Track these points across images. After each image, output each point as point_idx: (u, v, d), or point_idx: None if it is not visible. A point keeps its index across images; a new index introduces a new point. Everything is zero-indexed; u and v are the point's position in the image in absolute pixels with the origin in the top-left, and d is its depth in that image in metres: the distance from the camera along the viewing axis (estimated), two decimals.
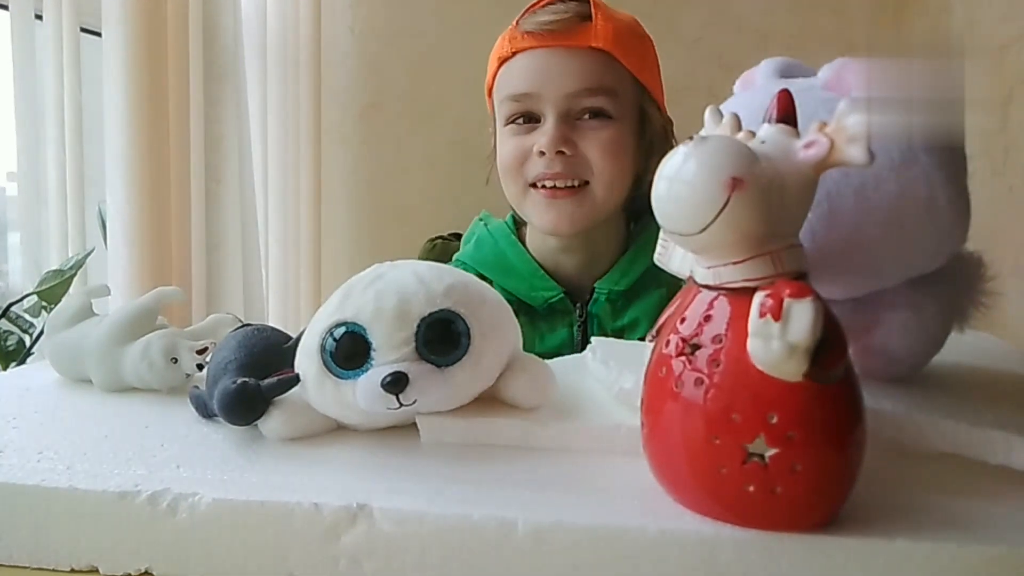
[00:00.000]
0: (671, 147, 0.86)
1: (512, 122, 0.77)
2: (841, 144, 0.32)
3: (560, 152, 0.73)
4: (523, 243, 0.84)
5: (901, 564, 0.32)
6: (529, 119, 0.76)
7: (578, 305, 0.79)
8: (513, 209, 0.85)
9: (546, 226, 0.77)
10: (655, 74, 0.81)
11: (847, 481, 0.34)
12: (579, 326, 0.78)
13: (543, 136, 0.74)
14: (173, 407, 0.52)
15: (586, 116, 0.75)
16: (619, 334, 0.77)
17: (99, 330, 0.57)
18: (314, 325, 0.45)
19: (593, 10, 0.75)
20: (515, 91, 0.76)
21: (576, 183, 0.75)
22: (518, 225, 0.86)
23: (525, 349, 0.74)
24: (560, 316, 0.79)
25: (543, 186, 0.75)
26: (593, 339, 0.55)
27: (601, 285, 0.79)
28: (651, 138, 0.79)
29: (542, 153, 0.74)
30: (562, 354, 0.72)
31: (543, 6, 0.76)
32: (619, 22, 0.77)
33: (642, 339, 0.71)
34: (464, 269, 0.78)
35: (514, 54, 0.76)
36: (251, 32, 1.55)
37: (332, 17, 1.84)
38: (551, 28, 0.73)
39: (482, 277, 0.75)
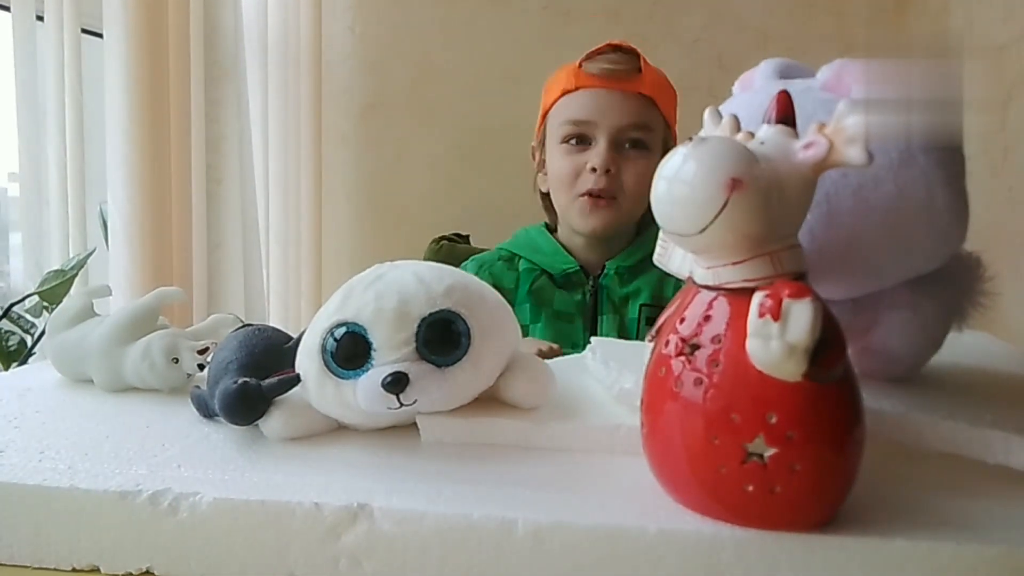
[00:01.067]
0: None
1: (567, 141, 0.98)
2: (840, 145, 0.32)
3: (608, 171, 0.94)
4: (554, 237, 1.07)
5: (900, 564, 0.32)
6: (581, 141, 0.97)
7: (591, 277, 1.00)
8: (546, 212, 1.07)
9: (587, 227, 0.98)
10: (675, 117, 1.04)
11: (846, 481, 0.34)
12: (591, 293, 0.99)
13: (596, 156, 0.95)
14: (174, 407, 0.52)
15: (627, 146, 0.96)
16: (624, 300, 0.98)
17: (100, 330, 0.57)
18: (315, 325, 0.45)
19: (642, 64, 0.98)
20: (577, 117, 0.97)
21: (611, 196, 0.96)
22: (550, 229, 1.09)
23: (544, 306, 0.98)
24: (575, 285, 1.00)
25: (588, 195, 0.96)
26: (593, 339, 0.55)
27: (611, 264, 1.00)
28: None
29: (594, 170, 0.95)
30: (574, 314, 0.98)
31: (602, 53, 0.98)
32: (659, 75, 1.00)
33: (645, 307, 0.96)
34: (498, 249, 1.06)
35: (577, 88, 0.98)
36: (252, 33, 1.55)
37: (333, 17, 1.85)
38: (613, 74, 0.96)
39: (512, 255, 1.04)
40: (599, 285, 1.00)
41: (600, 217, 0.97)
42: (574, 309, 0.99)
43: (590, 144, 0.97)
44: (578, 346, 0.91)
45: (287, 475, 0.40)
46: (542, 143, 1.05)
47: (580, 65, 0.98)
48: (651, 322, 0.88)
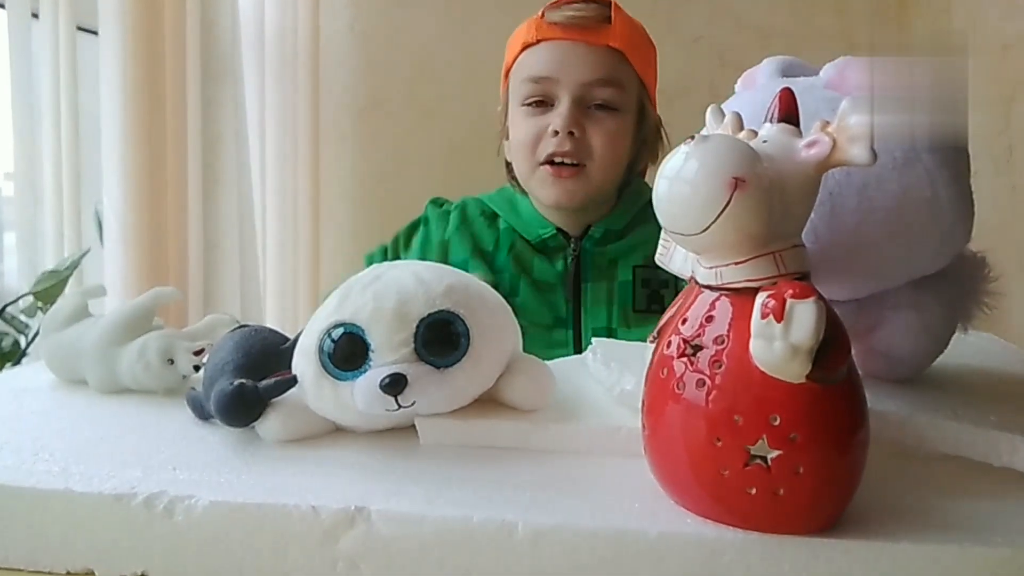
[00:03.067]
0: (662, 141, 0.90)
1: (528, 104, 0.86)
2: (843, 143, 0.32)
3: (571, 133, 0.82)
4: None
5: (904, 566, 0.32)
6: (542, 103, 0.85)
7: (572, 240, 0.89)
8: (512, 182, 0.95)
9: (550, 199, 0.86)
10: (654, 76, 0.92)
11: (850, 483, 0.34)
12: (572, 259, 0.89)
13: (558, 117, 0.83)
14: (169, 409, 0.51)
15: (594, 106, 0.84)
16: (614, 263, 0.88)
17: (95, 331, 0.56)
18: (312, 326, 0.45)
19: (613, 13, 0.85)
20: (537, 74, 0.85)
21: (577, 163, 0.84)
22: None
23: (523, 274, 0.88)
24: (554, 251, 0.90)
25: (551, 163, 0.84)
26: (594, 340, 0.55)
27: (597, 225, 0.88)
28: (645, 132, 0.90)
29: (556, 133, 0.83)
30: (555, 284, 0.87)
31: (568, 2, 0.85)
32: (633, 27, 0.88)
33: (640, 269, 0.86)
34: (477, 203, 0.94)
35: (539, 41, 0.85)
36: (249, 31, 1.54)
37: (331, 16, 1.84)
38: (577, 23, 0.84)
39: (493, 212, 0.93)
40: (581, 249, 0.89)
41: (564, 188, 0.85)
42: (555, 279, 0.88)
43: (553, 105, 0.85)
44: (561, 319, 0.86)
45: (284, 478, 0.39)
46: (506, 108, 0.92)
47: (543, 15, 0.86)
48: (647, 284, 0.85)
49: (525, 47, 0.87)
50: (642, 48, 0.88)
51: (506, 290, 0.88)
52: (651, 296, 0.86)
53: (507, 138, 0.93)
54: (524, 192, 0.93)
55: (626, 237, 0.88)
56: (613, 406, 0.47)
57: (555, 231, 0.89)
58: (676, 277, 0.87)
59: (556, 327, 0.86)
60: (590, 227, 0.89)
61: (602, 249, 0.88)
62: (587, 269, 0.88)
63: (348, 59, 1.88)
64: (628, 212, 0.89)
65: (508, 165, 0.94)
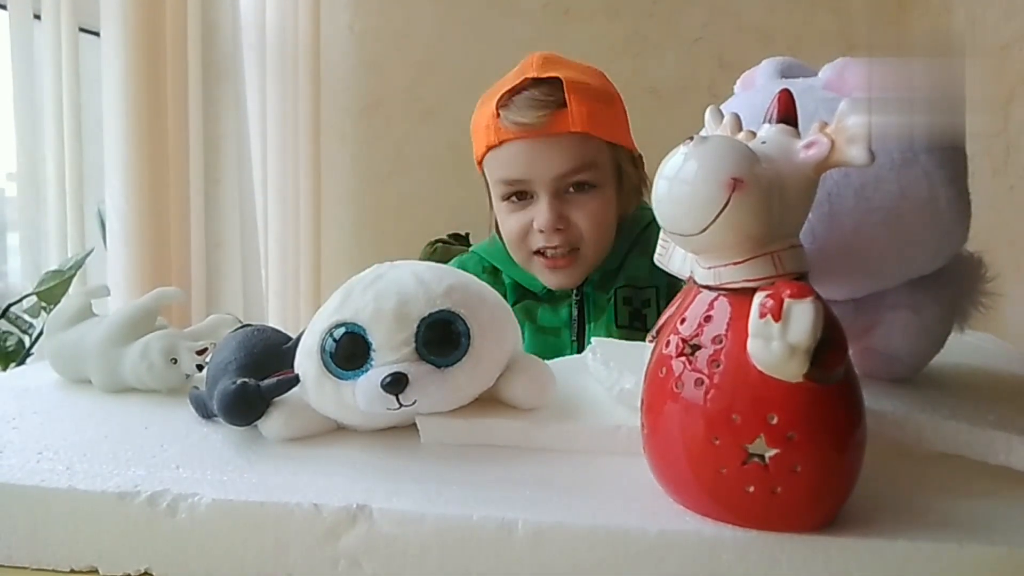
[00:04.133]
0: (643, 178, 0.90)
1: (508, 199, 0.87)
2: (842, 144, 0.32)
3: (557, 229, 0.83)
4: None
5: (901, 565, 0.32)
6: (523, 196, 0.86)
7: (574, 289, 0.90)
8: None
9: (551, 284, 0.88)
10: (625, 129, 0.90)
11: (847, 482, 0.34)
12: (576, 304, 0.90)
13: (540, 216, 0.83)
14: (173, 408, 0.52)
15: (573, 189, 0.84)
16: (608, 300, 0.89)
17: (98, 331, 0.57)
18: (314, 325, 0.45)
19: (567, 93, 0.81)
20: (508, 176, 0.85)
21: (569, 249, 0.85)
22: None
23: (527, 321, 0.89)
24: (559, 299, 0.91)
25: (543, 254, 0.86)
26: (594, 339, 0.55)
27: (595, 272, 0.89)
28: (628, 188, 0.90)
29: (541, 231, 0.84)
30: (560, 328, 0.90)
31: (519, 94, 0.82)
32: (591, 99, 0.83)
33: (620, 289, 0.87)
34: (478, 260, 0.95)
35: (501, 143, 0.84)
36: (250, 32, 1.55)
37: (331, 16, 1.84)
38: (535, 124, 0.81)
39: (494, 268, 0.93)
40: (584, 294, 0.90)
41: (563, 275, 0.87)
42: (560, 323, 0.90)
43: (532, 197, 0.85)
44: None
45: (286, 476, 0.40)
46: (489, 191, 0.92)
47: (498, 114, 0.83)
48: (628, 301, 0.87)
49: (489, 148, 0.86)
50: (605, 115, 0.86)
51: None
52: (632, 314, 0.88)
53: (496, 224, 0.93)
54: None
55: (621, 272, 0.90)
56: (612, 405, 0.47)
57: None
58: (657, 297, 0.88)
59: None
60: (589, 276, 0.90)
61: (600, 293, 0.90)
62: (590, 311, 0.90)
63: (348, 59, 1.88)
64: (622, 248, 0.90)
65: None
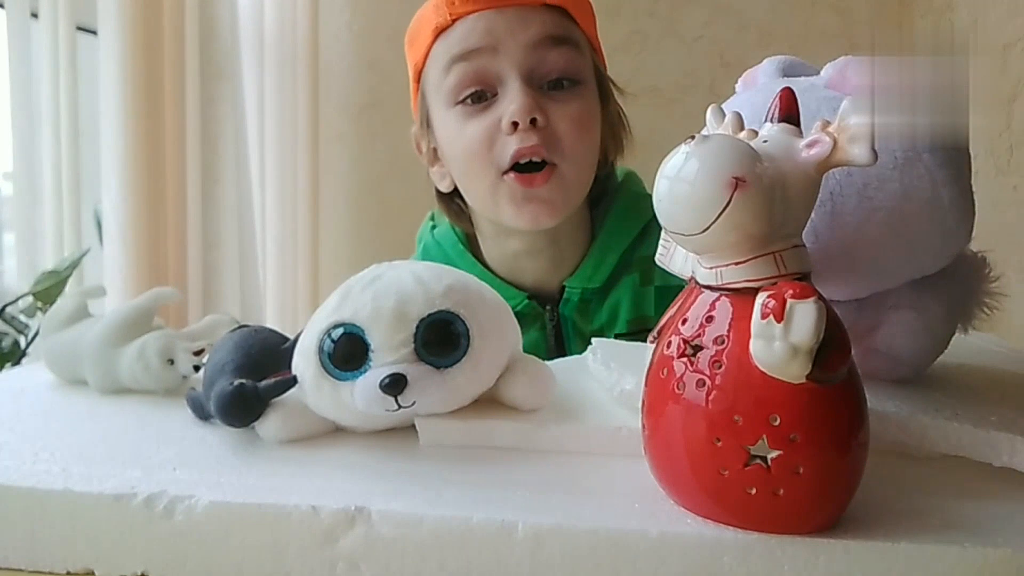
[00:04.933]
0: (625, 128, 0.73)
1: (460, 102, 0.65)
2: (844, 143, 0.32)
3: (533, 121, 0.62)
4: (475, 255, 0.75)
5: (904, 567, 0.32)
6: (481, 96, 0.65)
7: (548, 308, 0.71)
8: (455, 220, 0.76)
9: (525, 221, 0.66)
10: (598, 42, 0.72)
11: (850, 483, 0.33)
12: (552, 328, 0.71)
13: (511, 104, 0.62)
14: (169, 409, 0.51)
15: (549, 85, 0.65)
16: (597, 334, 0.70)
17: (95, 331, 0.56)
18: (312, 326, 0.45)
19: None
20: (465, 48, 0.63)
21: (547, 161, 0.64)
22: (469, 238, 0.76)
23: None
24: (530, 320, 0.71)
25: (517, 169, 0.64)
26: (594, 340, 0.54)
27: (572, 283, 0.71)
28: (611, 111, 0.72)
29: (514, 126, 0.62)
30: (536, 354, 0.69)
31: None
32: None
33: (633, 336, 0.68)
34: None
35: (454, 20, 0.64)
36: (248, 31, 1.54)
37: (330, 15, 1.84)
38: None
39: None
40: (560, 316, 0.71)
41: (543, 202, 0.64)
42: (533, 349, 0.68)
43: (495, 95, 0.64)
44: None
45: (284, 478, 0.39)
46: (425, 122, 0.71)
47: None
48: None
49: (439, 32, 0.65)
50: (583, 4, 0.69)
51: None
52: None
53: (434, 163, 0.73)
54: (469, 227, 0.75)
55: (608, 298, 0.70)
56: (613, 406, 0.47)
57: (527, 300, 0.70)
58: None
59: None
60: (564, 288, 0.71)
61: (583, 316, 0.71)
62: (569, 336, 0.71)
63: (347, 59, 1.88)
64: (606, 262, 0.70)
65: (445, 198, 0.74)
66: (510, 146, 0.63)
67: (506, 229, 0.69)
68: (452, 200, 0.73)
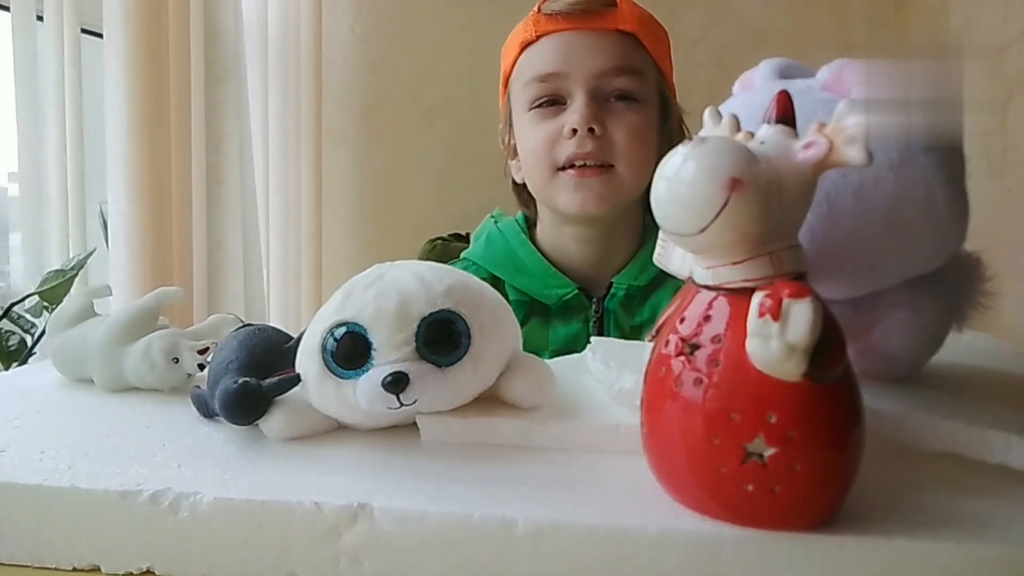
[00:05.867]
0: (686, 137, 0.84)
1: (536, 106, 0.77)
2: (840, 145, 0.32)
3: (591, 131, 0.73)
4: (534, 242, 0.84)
5: (899, 564, 0.32)
6: (554, 102, 0.76)
7: (594, 300, 0.79)
8: (524, 207, 0.85)
9: (575, 206, 0.75)
10: (670, 64, 0.81)
11: (846, 481, 0.34)
12: (595, 322, 0.78)
13: (574, 114, 0.73)
14: (174, 407, 0.52)
15: (614, 99, 0.75)
16: (637, 330, 0.77)
17: (100, 330, 0.57)
18: (315, 325, 0.45)
19: None
20: (543, 71, 0.75)
21: (603, 164, 0.74)
22: (529, 225, 0.86)
23: (538, 345, 0.78)
24: (575, 312, 0.78)
25: (572, 167, 0.74)
26: (593, 339, 0.55)
27: (619, 280, 0.78)
28: (671, 127, 0.80)
29: (573, 132, 0.73)
30: (576, 350, 0.72)
31: None
32: (643, 11, 0.78)
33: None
34: (475, 269, 0.81)
35: (539, 37, 0.76)
36: (252, 32, 1.55)
37: (333, 17, 1.84)
38: (580, 9, 0.74)
39: (494, 277, 0.79)
40: (604, 309, 0.78)
41: (591, 190, 0.73)
42: (575, 344, 0.76)
43: (565, 103, 0.75)
44: None
45: (287, 475, 0.40)
46: (509, 121, 0.83)
47: (539, 10, 0.76)
48: None
49: (525, 46, 0.77)
50: (656, 31, 0.78)
51: None
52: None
53: (513, 156, 0.83)
54: (535, 215, 0.84)
55: (651, 297, 0.78)
56: (612, 404, 0.47)
57: (577, 291, 0.78)
58: None
59: None
60: (612, 284, 0.78)
61: (627, 312, 0.78)
62: (610, 332, 0.77)
63: (350, 61, 1.88)
64: (653, 263, 0.80)
65: (518, 188, 0.85)
66: (569, 148, 0.74)
67: (562, 217, 0.79)
68: (523, 190, 0.84)
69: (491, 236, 0.85)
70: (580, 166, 0.74)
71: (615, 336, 0.77)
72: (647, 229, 0.82)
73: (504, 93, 0.84)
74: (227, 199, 1.37)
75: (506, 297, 0.76)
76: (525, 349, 0.77)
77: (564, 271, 0.80)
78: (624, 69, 0.74)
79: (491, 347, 0.45)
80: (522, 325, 0.78)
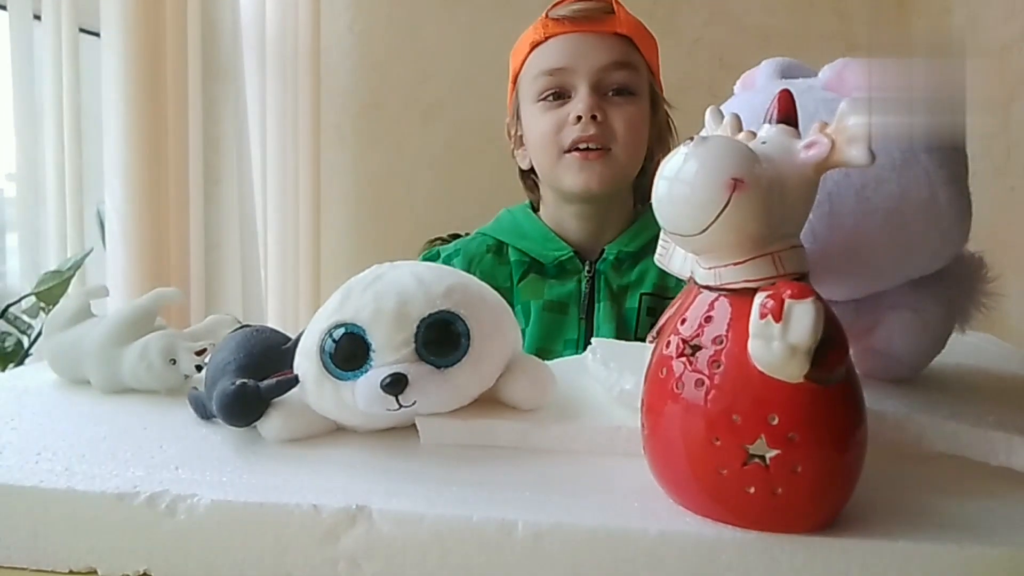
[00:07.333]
0: (672, 135, 0.94)
1: (543, 98, 0.88)
2: (842, 145, 0.32)
3: (593, 117, 0.84)
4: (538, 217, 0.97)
5: (902, 566, 0.32)
6: (559, 96, 0.87)
7: (587, 263, 0.90)
8: (529, 192, 0.98)
9: (579, 185, 0.87)
10: (659, 67, 0.94)
11: (848, 482, 0.34)
12: (587, 281, 0.89)
13: (579, 103, 0.85)
14: (172, 408, 0.52)
15: (612, 92, 0.87)
16: (624, 289, 0.89)
17: (97, 331, 0.57)
18: (313, 326, 0.45)
19: (615, 5, 0.89)
20: (551, 66, 0.87)
21: (603, 148, 0.86)
22: (534, 209, 0.99)
23: (533, 296, 0.85)
24: (569, 273, 0.90)
25: (576, 149, 0.86)
26: (593, 340, 0.55)
27: (611, 247, 0.90)
28: (660, 119, 0.93)
29: (578, 118, 0.85)
30: (568, 304, 0.88)
31: (570, 1, 0.89)
32: (635, 19, 0.92)
33: (646, 296, 0.86)
34: (482, 239, 0.94)
35: (547, 38, 0.88)
36: (250, 32, 1.55)
37: (331, 17, 1.84)
38: (583, 15, 0.87)
39: (499, 243, 0.93)
40: (596, 271, 0.89)
41: (593, 170, 0.86)
42: (568, 299, 0.89)
43: (569, 96, 0.87)
44: (572, 339, 0.86)
45: (285, 477, 0.40)
46: (516, 115, 0.95)
47: (547, 15, 0.89)
48: (652, 312, 0.85)
49: (534, 47, 0.89)
50: (647, 36, 0.92)
51: (521, 322, 0.87)
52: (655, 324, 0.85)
53: (520, 146, 0.95)
54: (539, 199, 0.96)
55: (639, 263, 0.89)
56: (612, 406, 0.47)
57: (572, 253, 0.90)
58: None
59: (566, 350, 0.86)
60: (603, 250, 0.90)
61: (616, 273, 0.89)
62: (600, 290, 0.88)
63: (349, 60, 1.88)
64: (642, 235, 0.90)
65: (524, 174, 0.97)
66: (574, 133, 0.85)
67: (565, 197, 0.91)
68: (529, 176, 0.97)
69: (501, 214, 0.99)
70: (583, 148, 0.85)
71: (605, 294, 0.88)
72: (636, 212, 0.95)
73: (512, 90, 0.95)
74: (225, 199, 1.37)
75: (510, 265, 0.91)
76: (521, 301, 0.90)
77: (562, 237, 0.93)
78: (621, 64, 0.87)
79: (491, 348, 0.45)
80: (520, 280, 0.89)
